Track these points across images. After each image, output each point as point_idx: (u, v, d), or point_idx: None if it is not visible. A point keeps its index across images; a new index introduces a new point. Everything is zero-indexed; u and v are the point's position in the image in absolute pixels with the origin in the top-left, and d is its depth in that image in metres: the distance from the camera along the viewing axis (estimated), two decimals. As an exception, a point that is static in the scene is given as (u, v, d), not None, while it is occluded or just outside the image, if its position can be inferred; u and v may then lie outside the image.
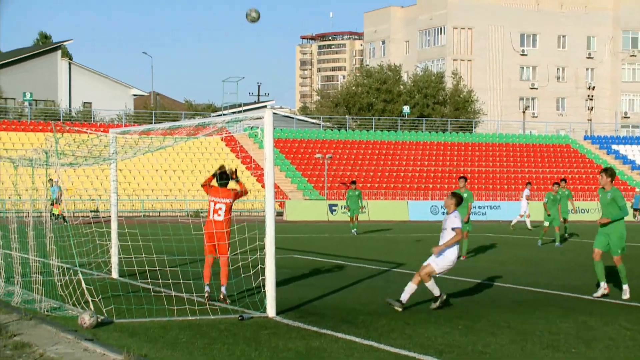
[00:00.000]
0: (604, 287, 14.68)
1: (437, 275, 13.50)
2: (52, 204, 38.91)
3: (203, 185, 14.04)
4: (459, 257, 13.42)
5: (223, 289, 13.60)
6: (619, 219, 14.45)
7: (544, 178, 66.78)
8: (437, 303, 13.17)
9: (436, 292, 13.20)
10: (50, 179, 38.74)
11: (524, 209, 39.55)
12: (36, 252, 13.69)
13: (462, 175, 24.10)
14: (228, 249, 13.72)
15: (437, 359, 9.48)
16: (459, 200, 13.29)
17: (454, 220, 13.04)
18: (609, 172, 14.56)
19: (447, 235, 13.07)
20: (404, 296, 12.98)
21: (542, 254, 25.40)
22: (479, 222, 52.95)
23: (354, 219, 35.46)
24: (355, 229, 35.14)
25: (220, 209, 13.71)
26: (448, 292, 15.54)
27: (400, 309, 12.87)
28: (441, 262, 13.12)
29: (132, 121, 70.70)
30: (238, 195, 13.90)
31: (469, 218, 23.06)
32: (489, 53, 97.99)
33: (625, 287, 14.70)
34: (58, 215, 38.96)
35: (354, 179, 41.64)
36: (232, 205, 13.82)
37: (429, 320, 12.17)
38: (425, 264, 13.21)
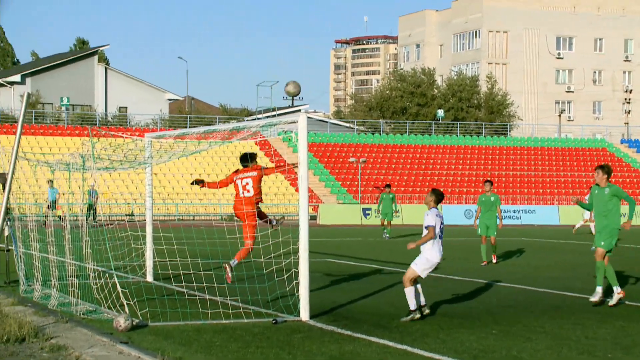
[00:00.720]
0: (616, 292, 13.99)
1: (423, 277, 12.91)
2: (48, 207, 38.74)
3: (222, 182, 14.11)
4: (442, 257, 12.84)
5: (232, 262, 13.88)
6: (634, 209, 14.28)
7: (580, 182, 66.16)
8: (408, 318, 12.35)
9: (412, 304, 12.42)
10: (50, 181, 38.64)
11: (587, 213, 38.80)
12: (72, 255, 13.81)
13: (488, 178, 24.04)
14: (253, 236, 13.73)
15: (472, 364, 9.39)
16: (438, 197, 12.85)
17: (426, 218, 12.58)
18: (606, 169, 14.21)
19: (423, 233, 12.71)
20: (411, 303, 12.45)
21: (579, 258, 25.15)
22: (514, 226, 52.58)
23: (387, 223, 35.28)
24: (387, 233, 35.00)
25: (247, 183, 13.74)
26: (483, 296, 15.42)
27: (419, 316, 12.44)
28: (421, 263, 12.55)
29: (167, 125, 71.17)
30: (266, 170, 13.97)
31: (501, 224, 22.88)
32: (524, 56, 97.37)
33: (599, 289, 14.05)
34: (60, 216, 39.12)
35: (389, 183, 41.55)
36: (260, 180, 13.79)
37: (464, 324, 12.09)
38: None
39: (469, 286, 17.45)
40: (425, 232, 12.58)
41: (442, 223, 12.75)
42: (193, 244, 18.39)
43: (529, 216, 57.08)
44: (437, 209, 12.94)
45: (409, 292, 12.46)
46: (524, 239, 36.18)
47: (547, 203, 61.53)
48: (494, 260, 22.47)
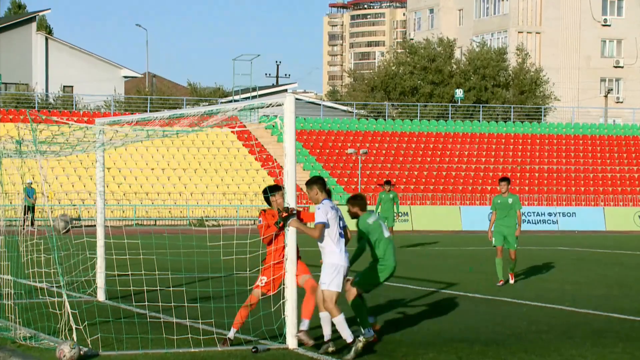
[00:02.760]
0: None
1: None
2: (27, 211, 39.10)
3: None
4: (351, 263, 12.41)
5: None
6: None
7: (631, 179, 66.36)
8: (352, 354, 11.75)
9: (347, 336, 11.92)
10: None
11: None
12: (8, 269, 13.84)
13: (504, 176, 22.93)
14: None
15: (497, 401, 9.47)
16: (321, 183, 12.57)
17: (317, 213, 12.15)
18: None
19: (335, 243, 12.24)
20: (345, 333, 11.98)
21: (629, 273, 25.26)
22: (549, 232, 52.75)
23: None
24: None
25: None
26: (510, 319, 15.49)
27: (332, 349, 12.00)
28: (328, 274, 12.08)
29: (123, 109, 71.12)
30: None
31: (519, 230, 21.69)
32: (562, 24, 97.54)
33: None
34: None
35: (388, 179, 39.21)
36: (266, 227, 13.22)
37: (487, 353, 12.15)
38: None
39: (492, 306, 17.52)
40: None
41: (340, 218, 12.33)
42: (157, 254, 18.42)
43: (568, 220, 57.23)
44: (330, 200, 12.53)
45: (339, 321, 11.92)
46: (561, 249, 36.27)
47: (590, 204, 61.70)
48: (512, 280, 21.67)
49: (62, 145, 14.90)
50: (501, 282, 21.16)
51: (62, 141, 14.95)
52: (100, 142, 16.72)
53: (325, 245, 12.20)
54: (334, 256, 12.14)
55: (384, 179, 36.77)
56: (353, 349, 11.78)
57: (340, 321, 11.94)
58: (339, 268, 12.08)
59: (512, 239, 21.56)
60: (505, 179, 21.80)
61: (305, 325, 12.49)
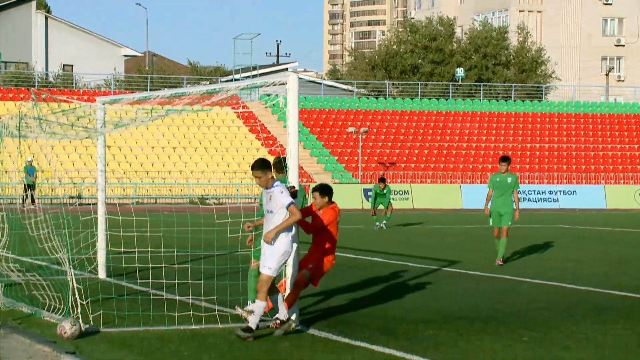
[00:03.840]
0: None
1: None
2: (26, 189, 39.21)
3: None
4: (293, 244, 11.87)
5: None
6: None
7: (632, 157, 66.35)
8: (283, 327, 11.61)
9: (282, 314, 11.67)
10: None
11: None
12: (9, 246, 13.84)
13: (505, 155, 22.49)
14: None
15: (497, 377, 9.49)
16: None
17: (281, 196, 11.56)
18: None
19: (277, 219, 11.59)
20: (282, 311, 11.67)
21: (630, 251, 25.29)
22: (550, 210, 52.81)
23: (381, 212, 34.36)
24: (384, 221, 34.03)
25: None
26: (510, 296, 15.52)
27: (294, 325, 11.83)
28: (271, 259, 11.53)
29: (123, 88, 71.04)
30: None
31: (518, 213, 21.18)
32: (563, 2, 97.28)
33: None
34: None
35: (383, 176, 37.70)
36: None
37: (487, 330, 12.18)
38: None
39: (493, 284, 17.55)
40: (283, 214, 11.53)
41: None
42: (158, 232, 18.43)
43: (568, 198, 57.28)
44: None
45: (280, 301, 11.64)
46: (561, 227, 36.32)
47: (590, 182, 61.74)
48: (499, 263, 20.81)
49: (74, 128, 14.87)
50: (500, 262, 20.88)
51: (70, 121, 14.92)
52: (101, 122, 16.67)
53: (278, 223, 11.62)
54: (286, 240, 11.67)
55: (380, 177, 36.23)
56: (285, 325, 11.62)
57: (262, 307, 11.48)
58: (286, 256, 11.70)
59: (507, 217, 21.00)
60: (505, 159, 21.24)
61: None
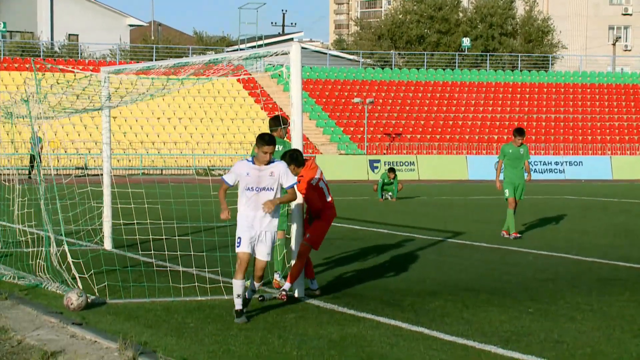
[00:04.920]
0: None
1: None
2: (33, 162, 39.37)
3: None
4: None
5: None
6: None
7: (638, 126, 66.18)
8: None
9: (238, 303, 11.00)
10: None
11: None
12: (18, 218, 13.85)
13: (520, 127, 22.25)
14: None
15: (503, 349, 9.49)
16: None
17: (290, 175, 11.17)
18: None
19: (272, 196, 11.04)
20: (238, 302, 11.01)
21: (636, 221, 25.28)
22: (556, 181, 52.78)
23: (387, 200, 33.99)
24: (389, 192, 33.74)
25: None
26: (516, 268, 15.54)
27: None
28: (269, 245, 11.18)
29: (129, 58, 70.91)
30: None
31: (530, 176, 21.07)
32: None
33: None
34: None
35: (392, 167, 36.65)
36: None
37: (493, 301, 12.18)
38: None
39: (499, 255, 17.56)
40: (279, 194, 11.14)
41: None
42: (164, 203, 18.45)
43: (574, 169, 57.22)
44: None
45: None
46: (568, 198, 36.30)
47: (597, 153, 61.65)
48: (514, 235, 20.47)
49: (67, 103, 14.83)
50: (516, 235, 20.38)
51: (67, 96, 14.88)
52: (106, 92, 16.62)
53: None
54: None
55: (389, 167, 35.72)
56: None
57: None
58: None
59: (521, 190, 20.95)
60: (521, 131, 21.05)
61: (314, 284, 12.68)
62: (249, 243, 10.98)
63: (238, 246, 10.99)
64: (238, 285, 10.88)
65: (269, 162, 11.05)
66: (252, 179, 11.00)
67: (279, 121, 13.28)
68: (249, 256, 10.99)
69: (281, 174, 11.09)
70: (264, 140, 11.01)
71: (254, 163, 11.07)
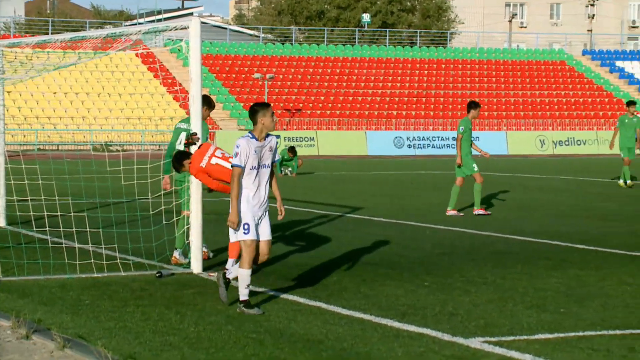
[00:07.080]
0: None
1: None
2: None
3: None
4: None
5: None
6: None
7: (533, 103, 67.35)
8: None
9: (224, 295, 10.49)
10: None
11: None
12: None
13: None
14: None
15: (399, 322, 9.60)
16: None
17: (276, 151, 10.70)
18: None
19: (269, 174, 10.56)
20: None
21: (530, 196, 25.78)
22: (452, 156, 53.33)
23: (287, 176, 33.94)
24: (289, 167, 33.74)
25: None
26: (414, 242, 15.73)
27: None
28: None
29: (24, 31, 69.45)
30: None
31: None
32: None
33: None
34: None
35: (293, 145, 36.56)
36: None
37: (390, 275, 12.31)
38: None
39: (397, 230, 17.73)
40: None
41: None
42: (60, 179, 18.18)
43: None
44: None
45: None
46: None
47: (493, 129, 62.56)
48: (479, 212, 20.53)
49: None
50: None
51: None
52: (1, 67, 16.29)
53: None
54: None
55: (290, 146, 35.66)
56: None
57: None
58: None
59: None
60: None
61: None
62: (255, 228, 10.31)
63: (246, 233, 10.19)
64: (248, 275, 10.10)
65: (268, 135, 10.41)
66: (257, 157, 10.36)
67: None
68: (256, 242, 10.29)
69: (275, 148, 10.61)
70: (269, 105, 10.54)
71: (253, 138, 10.44)
